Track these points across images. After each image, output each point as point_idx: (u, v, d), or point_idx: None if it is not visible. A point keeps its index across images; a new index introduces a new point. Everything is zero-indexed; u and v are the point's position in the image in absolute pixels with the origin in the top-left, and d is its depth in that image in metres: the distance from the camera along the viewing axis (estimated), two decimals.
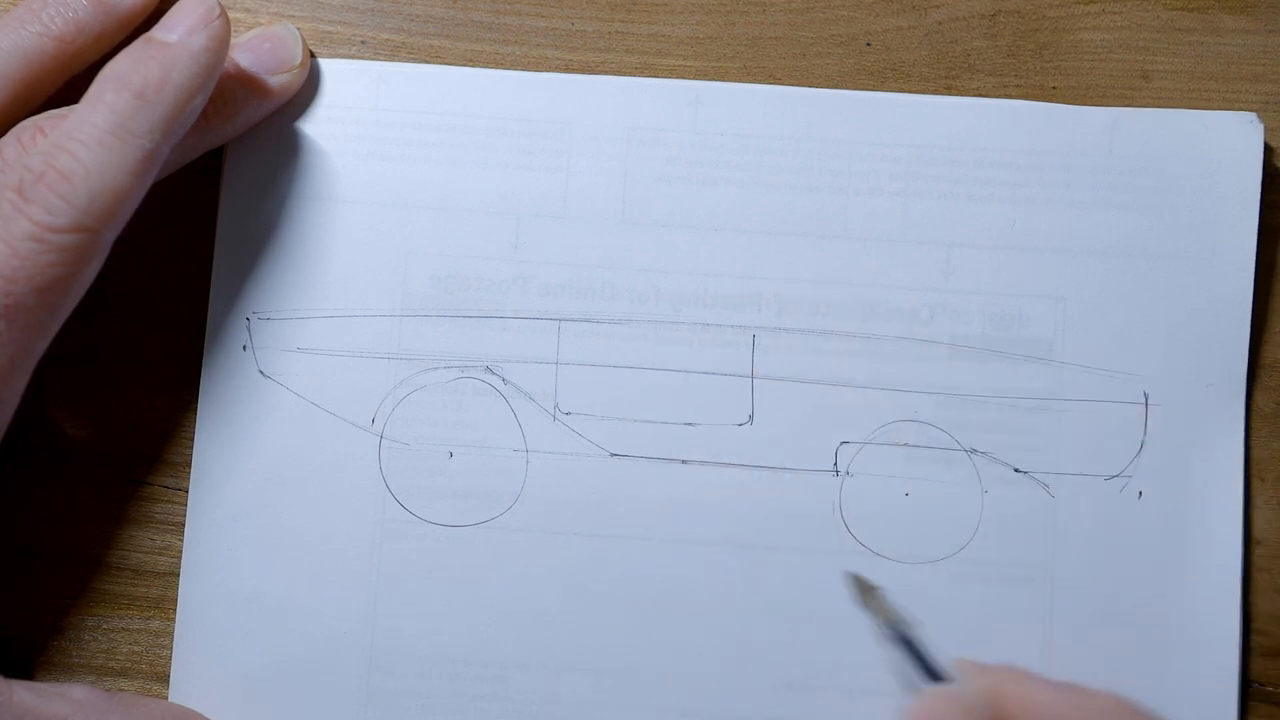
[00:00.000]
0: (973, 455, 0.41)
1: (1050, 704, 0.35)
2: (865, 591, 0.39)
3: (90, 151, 0.35)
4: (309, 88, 0.41)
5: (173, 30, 0.37)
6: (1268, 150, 0.41)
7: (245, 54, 0.40)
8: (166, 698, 0.40)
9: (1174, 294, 0.41)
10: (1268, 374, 0.41)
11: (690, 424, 0.41)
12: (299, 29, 0.42)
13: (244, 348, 0.41)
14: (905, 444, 0.41)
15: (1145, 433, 0.40)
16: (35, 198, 0.35)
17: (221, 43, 0.37)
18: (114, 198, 0.35)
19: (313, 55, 0.42)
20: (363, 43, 0.42)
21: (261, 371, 0.41)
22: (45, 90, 0.39)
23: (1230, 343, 0.41)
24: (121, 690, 0.40)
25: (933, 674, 0.37)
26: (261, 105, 0.40)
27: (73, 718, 0.37)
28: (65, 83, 0.40)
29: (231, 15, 0.42)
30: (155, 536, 0.41)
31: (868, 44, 0.42)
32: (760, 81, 0.42)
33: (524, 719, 0.40)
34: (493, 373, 0.41)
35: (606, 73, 0.42)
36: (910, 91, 0.42)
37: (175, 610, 0.40)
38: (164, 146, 0.36)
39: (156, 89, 0.36)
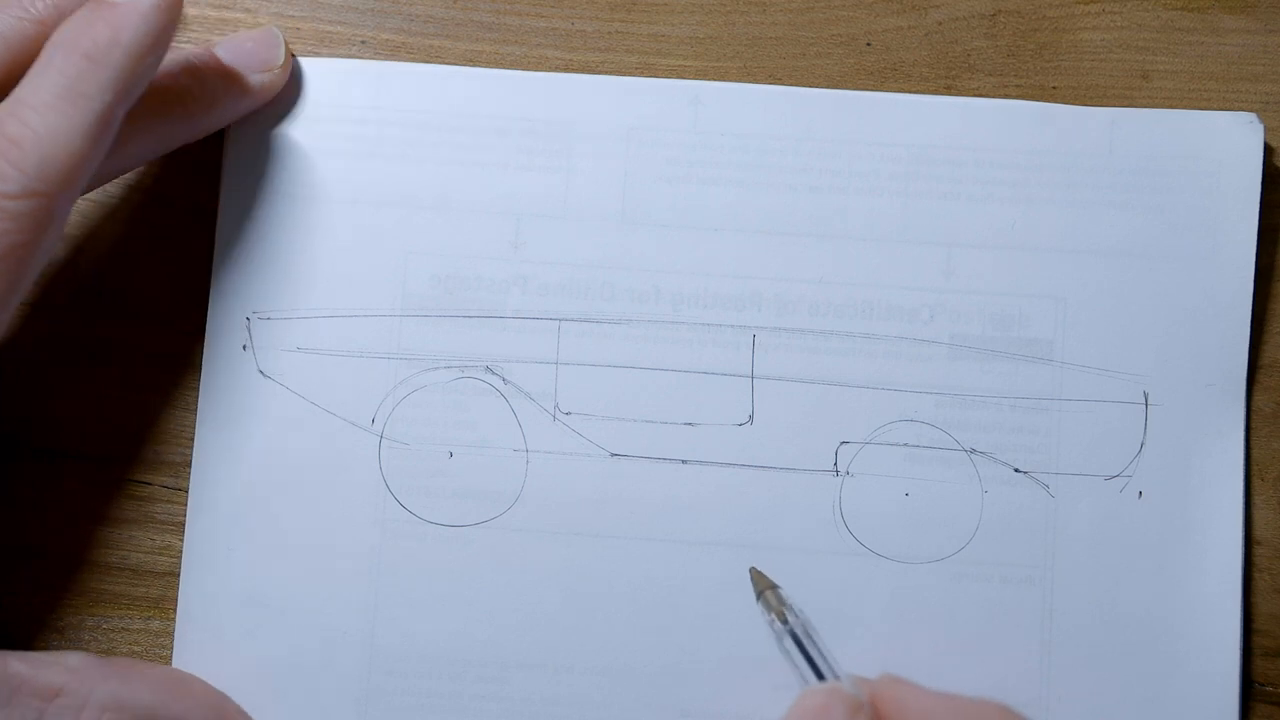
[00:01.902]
0: (973, 455, 0.41)
1: (932, 708, 0.34)
2: (764, 588, 0.39)
3: (40, 116, 0.35)
4: (310, 88, 0.41)
5: None
6: (1268, 150, 0.41)
7: (228, 51, 0.40)
8: None
9: (1174, 294, 0.41)
10: (1267, 374, 0.41)
11: (690, 424, 0.41)
12: (299, 29, 0.42)
13: (244, 347, 0.41)
14: (905, 444, 0.41)
15: (1145, 433, 0.40)
16: None
17: (172, 1, 0.37)
18: (66, 162, 0.35)
19: (312, 55, 0.42)
20: (363, 43, 0.42)
21: (261, 371, 0.41)
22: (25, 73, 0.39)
23: (1230, 343, 0.41)
24: (118, 657, 0.40)
25: (820, 676, 0.37)
26: (241, 101, 0.40)
27: (68, 685, 0.36)
28: None
29: (231, 15, 0.42)
30: (155, 536, 0.41)
31: (868, 44, 0.42)
32: (760, 81, 0.42)
33: (524, 718, 0.40)
34: (493, 373, 0.41)
35: (606, 73, 0.42)
36: (910, 91, 0.42)
37: (175, 610, 0.40)
38: (118, 108, 0.36)
39: (105, 50, 0.36)
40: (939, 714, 0.34)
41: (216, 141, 0.41)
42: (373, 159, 0.41)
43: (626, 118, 0.41)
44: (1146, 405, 0.40)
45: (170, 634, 0.41)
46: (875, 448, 0.41)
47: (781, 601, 0.39)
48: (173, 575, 0.41)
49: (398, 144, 0.41)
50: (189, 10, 0.42)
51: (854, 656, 0.39)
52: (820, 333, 0.41)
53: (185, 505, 0.41)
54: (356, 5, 0.42)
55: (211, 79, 0.40)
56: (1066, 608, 0.40)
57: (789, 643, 0.38)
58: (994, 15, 0.42)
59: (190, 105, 0.39)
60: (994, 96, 0.42)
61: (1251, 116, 0.41)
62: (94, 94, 0.35)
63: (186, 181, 0.42)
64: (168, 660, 0.41)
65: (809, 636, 0.38)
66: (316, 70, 0.42)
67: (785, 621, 0.38)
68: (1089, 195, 0.41)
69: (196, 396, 0.41)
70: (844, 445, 0.41)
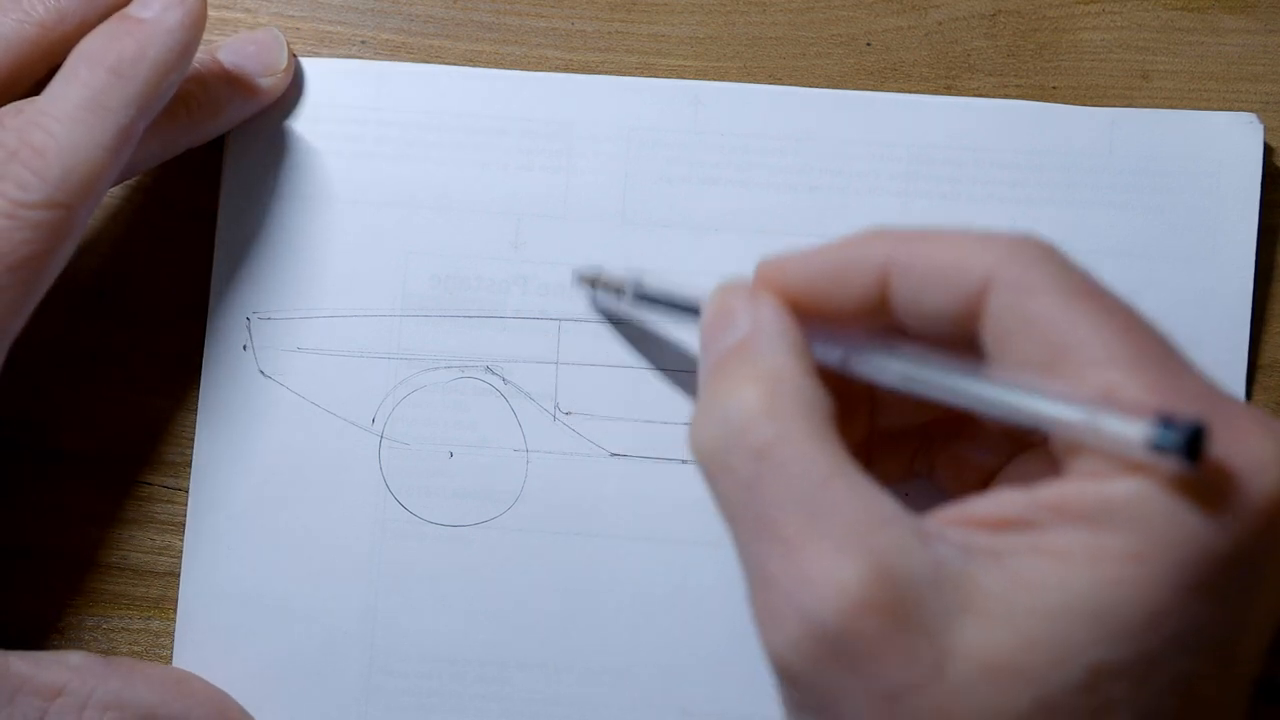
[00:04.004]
0: None
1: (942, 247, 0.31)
2: (592, 281, 0.39)
3: (64, 127, 0.35)
4: (310, 88, 0.41)
5: (148, 7, 0.37)
6: (1268, 150, 0.41)
7: (231, 54, 0.40)
8: None
9: (1174, 294, 0.41)
10: (1267, 374, 0.41)
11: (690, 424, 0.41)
12: (298, 29, 0.42)
13: (244, 348, 0.41)
14: None
15: None
16: (8, 174, 0.34)
17: (197, 19, 0.37)
18: (88, 173, 0.35)
19: (312, 55, 0.42)
20: (363, 43, 0.42)
21: (261, 371, 0.41)
22: (28, 77, 0.39)
23: (1229, 343, 0.41)
24: (119, 656, 0.40)
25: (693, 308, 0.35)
26: (246, 105, 0.40)
27: (70, 685, 0.37)
28: (48, 70, 0.39)
29: (231, 15, 0.42)
30: (155, 536, 0.41)
31: (868, 44, 0.42)
32: (760, 81, 0.42)
33: (524, 718, 0.40)
34: (493, 372, 0.41)
35: (606, 73, 0.42)
36: (910, 91, 0.42)
37: (175, 610, 0.40)
38: (139, 123, 0.36)
39: (131, 65, 0.36)
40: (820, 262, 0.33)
41: (217, 142, 0.41)
42: (373, 159, 0.41)
43: (626, 118, 0.41)
44: None
45: (170, 634, 0.41)
46: None
47: (612, 276, 0.37)
48: (173, 575, 0.41)
49: (398, 144, 0.41)
50: None
51: None
52: None
53: (185, 505, 0.41)
54: (356, 5, 0.42)
55: (215, 85, 0.40)
56: None
57: (643, 304, 0.36)
58: (994, 15, 0.42)
59: (194, 111, 0.39)
60: (994, 96, 0.42)
61: (1251, 116, 0.41)
62: (118, 108, 0.35)
63: (187, 182, 0.42)
64: (168, 660, 0.41)
65: (659, 284, 0.36)
66: (316, 70, 0.42)
67: (621, 291, 0.37)
68: (1089, 195, 0.41)
69: (197, 397, 0.41)
70: None
